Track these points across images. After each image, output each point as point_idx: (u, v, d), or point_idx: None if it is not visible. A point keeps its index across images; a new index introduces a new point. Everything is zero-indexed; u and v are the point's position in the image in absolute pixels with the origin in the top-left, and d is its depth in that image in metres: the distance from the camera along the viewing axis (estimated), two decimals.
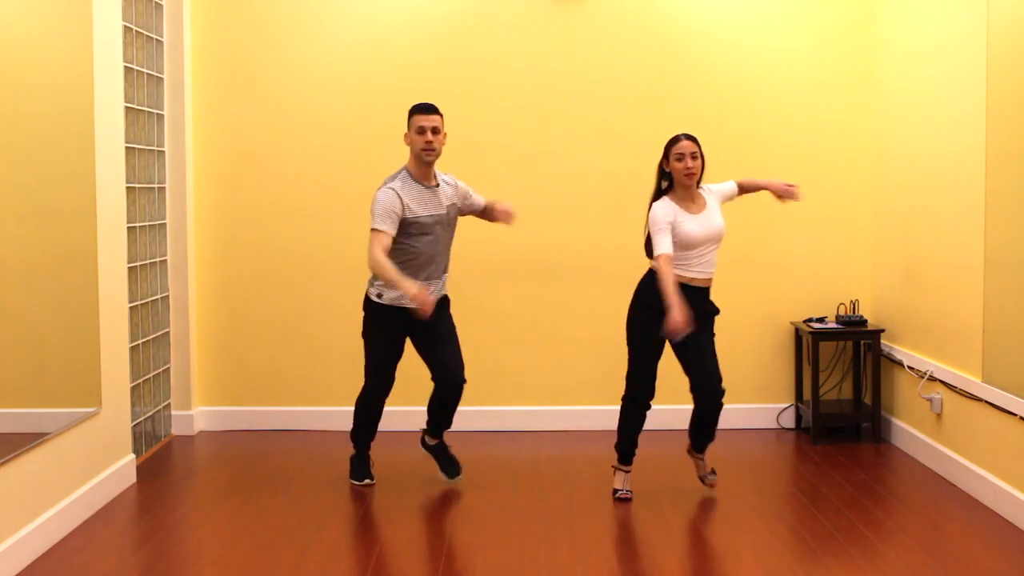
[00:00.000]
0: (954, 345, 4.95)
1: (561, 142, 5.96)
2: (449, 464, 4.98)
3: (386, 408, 5.87)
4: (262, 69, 5.95)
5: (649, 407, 4.74)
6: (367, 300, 4.77)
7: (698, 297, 4.55)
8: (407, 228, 4.59)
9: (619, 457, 4.82)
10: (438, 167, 4.76)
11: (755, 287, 5.90)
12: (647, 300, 4.56)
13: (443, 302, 4.81)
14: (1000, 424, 4.47)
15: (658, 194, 4.63)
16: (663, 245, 4.45)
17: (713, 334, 4.68)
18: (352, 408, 5.94)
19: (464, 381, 4.83)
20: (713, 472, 4.86)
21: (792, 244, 5.99)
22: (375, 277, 4.67)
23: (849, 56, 5.95)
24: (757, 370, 6.03)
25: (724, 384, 4.65)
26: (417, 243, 4.63)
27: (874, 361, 5.71)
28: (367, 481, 4.95)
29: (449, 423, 4.97)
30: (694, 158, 4.51)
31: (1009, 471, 4.40)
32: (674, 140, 4.56)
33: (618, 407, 6.06)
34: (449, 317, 4.86)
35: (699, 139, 4.59)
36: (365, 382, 4.88)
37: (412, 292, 4.37)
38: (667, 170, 4.58)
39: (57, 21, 4.33)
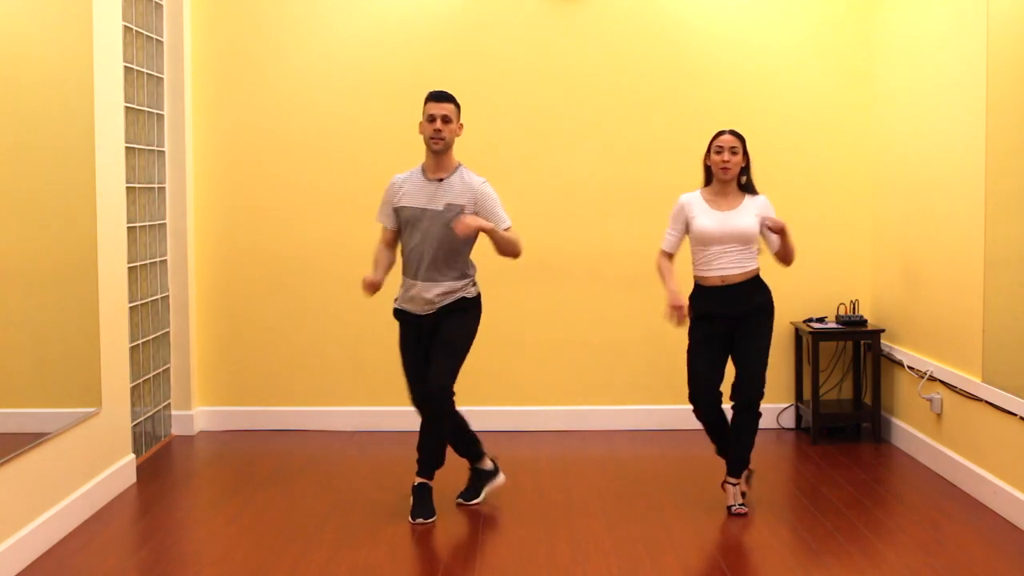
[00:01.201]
0: (954, 345, 4.95)
1: (562, 141, 5.96)
2: (418, 505, 4.46)
3: (385, 408, 5.90)
4: (262, 69, 5.95)
5: (717, 410, 4.53)
6: None
7: (730, 296, 4.45)
8: (399, 219, 4.50)
9: (727, 468, 4.62)
10: (473, 168, 4.55)
11: None
12: (693, 311, 4.55)
13: (451, 310, 4.43)
14: (1000, 424, 4.47)
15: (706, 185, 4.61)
16: (664, 241, 4.58)
17: (761, 335, 4.48)
18: (355, 408, 5.96)
19: (442, 391, 4.40)
20: (743, 504, 4.54)
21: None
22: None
23: (849, 55, 5.95)
24: None
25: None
26: (406, 235, 4.48)
27: (874, 361, 5.70)
28: (419, 520, 4.40)
29: (433, 457, 4.49)
30: (733, 153, 4.46)
31: (1009, 471, 4.40)
32: (718, 134, 4.53)
33: (618, 407, 6.10)
34: (459, 325, 4.46)
35: (742, 138, 4.55)
36: None
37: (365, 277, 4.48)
38: (708, 164, 4.55)
39: (57, 21, 4.33)
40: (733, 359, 4.52)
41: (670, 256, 4.60)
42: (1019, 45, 4.32)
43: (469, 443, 4.67)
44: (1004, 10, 4.44)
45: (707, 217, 4.47)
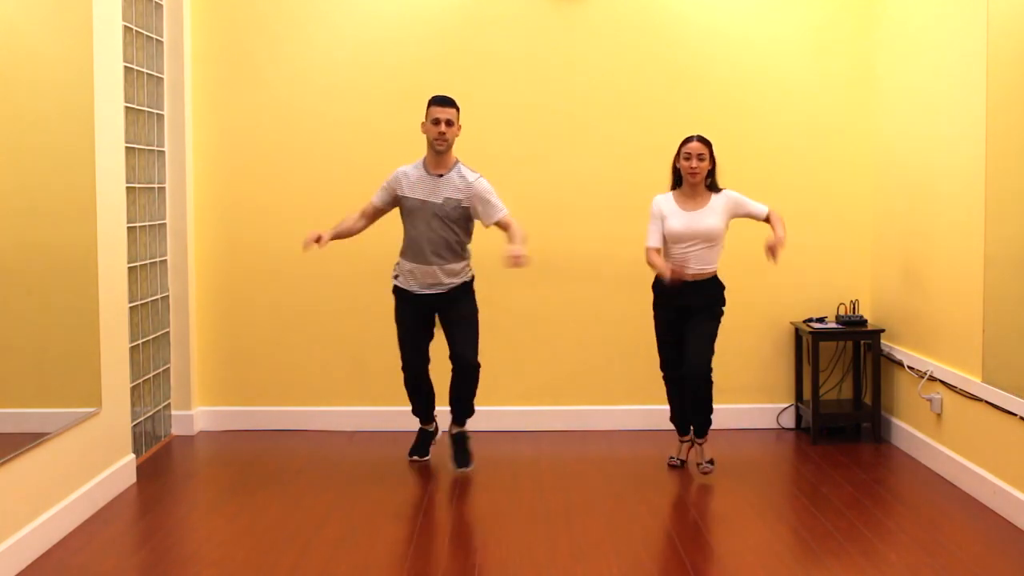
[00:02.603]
0: (954, 345, 4.95)
1: (563, 141, 5.96)
2: (460, 453, 5.18)
3: (386, 409, 5.92)
4: (262, 69, 5.95)
5: (679, 377, 5.05)
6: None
7: (688, 289, 4.90)
8: (401, 207, 5.02)
9: (676, 427, 5.25)
10: (472, 164, 5.05)
11: (755, 287, 5.89)
12: (655, 295, 5.11)
13: (456, 293, 5.00)
14: (1000, 424, 4.47)
15: (673, 188, 5.04)
16: (650, 238, 5.01)
17: (710, 321, 4.98)
18: (355, 408, 6.03)
19: (475, 363, 5.07)
20: (711, 462, 5.08)
21: (792, 244, 5.97)
22: (396, 263, 5.08)
23: (849, 55, 5.95)
24: (757, 370, 6.03)
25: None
26: (408, 225, 5.00)
27: (874, 361, 5.70)
28: (414, 457, 5.26)
29: (467, 409, 5.20)
30: (700, 159, 4.86)
31: (1009, 471, 4.40)
32: (686, 140, 4.92)
33: (618, 407, 6.14)
34: (468, 304, 5.08)
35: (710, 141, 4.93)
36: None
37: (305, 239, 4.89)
38: (678, 167, 4.95)
39: (57, 21, 4.33)
40: (684, 347, 4.99)
41: (657, 250, 5.04)
42: (1019, 45, 4.32)
43: (432, 407, 5.28)
44: (1004, 10, 4.44)
45: (676, 218, 4.93)
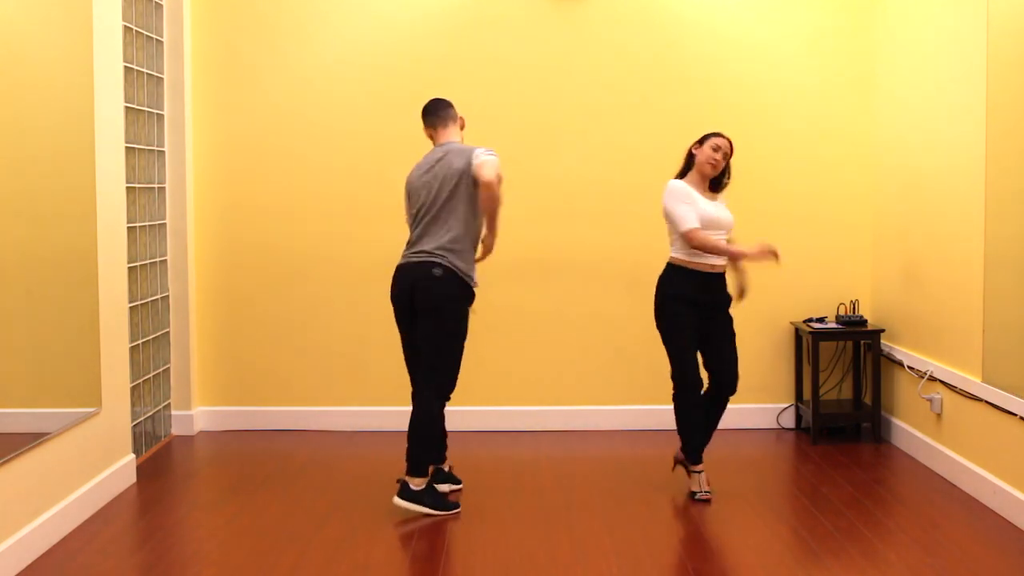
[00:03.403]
0: (954, 345, 4.95)
1: (563, 141, 5.96)
2: (449, 478, 4.84)
3: (385, 408, 5.91)
4: (262, 69, 5.95)
5: (701, 396, 4.73)
6: (463, 287, 4.49)
7: (715, 284, 4.70)
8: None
9: (688, 457, 4.77)
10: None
11: (755, 287, 5.87)
12: (672, 291, 4.69)
13: None
14: (1000, 424, 4.47)
15: (681, 176, 4.81)
16: (689, 219, 4.56)
17: (729, 326, 4.78)
18: (355, 408, 5.95)
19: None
20: (707, 492, 4.71)
21: (792, 244, 5.97)
22: (466, 260, 4.48)
23: (849, 56, 5.96)
24: (757, 370, 6.03)
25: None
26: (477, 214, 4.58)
27: (874, 361, 5.71)
28: (455, 510, 4.55)
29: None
30: (724, 156, 4.72)
31: (1009, 471, 4.40)
32: (716, 134, 4.76)
33: (616, 407, 6.11)
34: None
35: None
36: (446, 388, 4.53)
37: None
38: (694, 152, 4.74)
39: (57, 21, 4.33)
40: (712, 353, 4.75)
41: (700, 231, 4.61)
42: (1019, 45, 4.32)
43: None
44: (1004, 10, 4.44)
45: (704, 203, 4.67)
